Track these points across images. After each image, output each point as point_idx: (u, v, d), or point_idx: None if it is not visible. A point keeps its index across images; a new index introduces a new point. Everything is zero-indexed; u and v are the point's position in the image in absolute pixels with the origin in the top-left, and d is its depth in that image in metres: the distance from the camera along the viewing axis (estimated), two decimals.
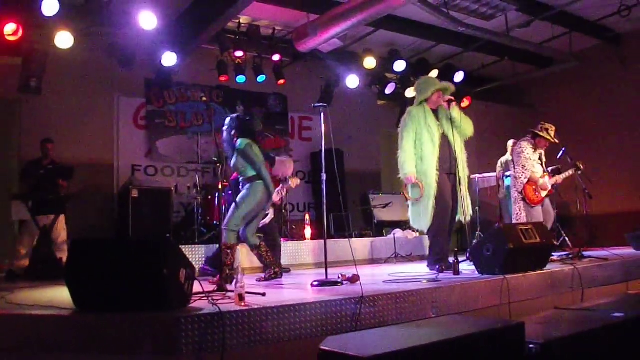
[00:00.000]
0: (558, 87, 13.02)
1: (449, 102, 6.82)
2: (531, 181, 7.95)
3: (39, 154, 8.44)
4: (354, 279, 5.32)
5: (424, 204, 6.71)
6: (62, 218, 8.16)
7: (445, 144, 6.83)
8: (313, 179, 12.52)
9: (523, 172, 7.94)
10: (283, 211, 10.10)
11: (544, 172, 8.10)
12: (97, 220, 9.58)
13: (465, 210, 6.75)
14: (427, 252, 7.05)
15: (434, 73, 11.26)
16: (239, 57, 10.62)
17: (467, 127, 6.97)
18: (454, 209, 6.86)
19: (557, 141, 8.07)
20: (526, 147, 8.05)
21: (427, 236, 7.00)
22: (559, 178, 8.20)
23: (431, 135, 6.78)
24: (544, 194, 8.03)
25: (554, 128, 8.08)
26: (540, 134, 8.01)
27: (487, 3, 9.80)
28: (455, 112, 6.87)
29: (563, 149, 8.11)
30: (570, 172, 8.23)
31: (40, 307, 4.23)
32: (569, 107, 12.69)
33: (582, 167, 8.20)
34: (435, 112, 6.97)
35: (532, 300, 5.61)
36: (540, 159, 8.15)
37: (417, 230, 10.04)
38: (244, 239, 6.44)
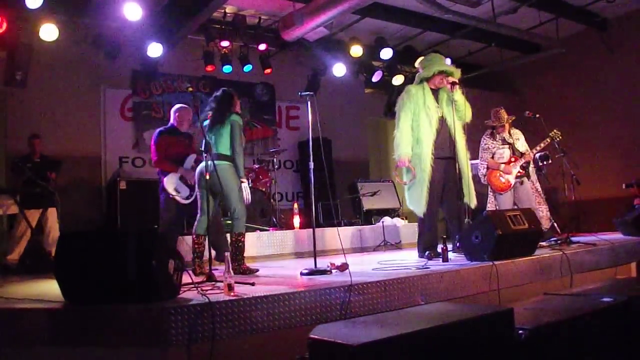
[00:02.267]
0: (545, 73, 13.08)
1: (452, 84, 6.49)
2: (492, 168, 7.90)
3: (26, 148, 8.37)
4: (343, 268, 5.32)
5: (418, 189, 6.49)
6: (53, 211, 8.11)
7: (444, 128, 6.58)
8: (301, 168, 12.50)
9: (482, 164, 7.96)
10: (271, 200, 10.08)
11: (512, 154, 7.89)
12: (85, 212, 9.53)
13: (470, 195, 6.64)
14: (416, 240, 6.97)
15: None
16: (225, 47, 10.59)
17: (468, 112, 6.66)
18: (452, 194, 6.61)
19: (512, 118, 8.00)
20: (484, 139, 8.07)
21: (416, 223, 6.88)
22: (529, 155, 7.89)
23: (429, 118, 6.52)
24: (510, 178, 7.81)
25: (502, 109, 8.00)
26: (490, 123, 8.00)
27: None
28: (458, 95, 6.52)
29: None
30: (547, 141, 7.90)
31: (30, 300, 4.20)
32: (555, 93, 12.77)
33: (558, 135, 7.88)
34: (435, 92, 6.68)
35: (521, 286, 5.63)
36: (506, 142, 7.95)
37: (406, 218, 10.08)
38: None
